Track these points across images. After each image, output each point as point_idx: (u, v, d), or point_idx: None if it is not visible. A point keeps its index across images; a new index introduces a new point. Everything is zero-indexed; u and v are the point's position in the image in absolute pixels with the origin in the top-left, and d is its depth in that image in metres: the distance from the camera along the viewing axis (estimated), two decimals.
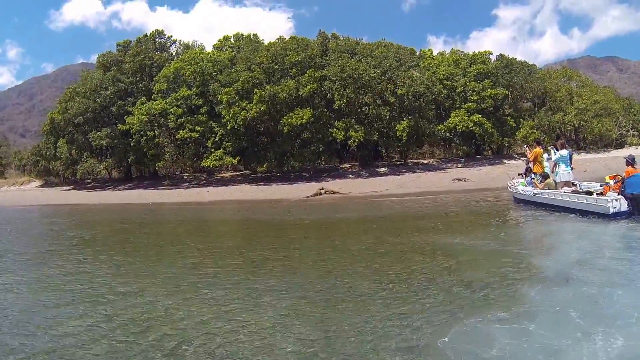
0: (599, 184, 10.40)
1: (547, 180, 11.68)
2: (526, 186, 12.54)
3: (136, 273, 7.57)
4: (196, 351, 4.04)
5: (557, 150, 11.47)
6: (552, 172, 11.76)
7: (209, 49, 45.58)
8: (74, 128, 41.10)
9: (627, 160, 9.26)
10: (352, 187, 25.08)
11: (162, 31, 45.58)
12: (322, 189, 23.00)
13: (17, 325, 5.02)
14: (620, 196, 8.81)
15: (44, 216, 21.57)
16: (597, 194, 9.55)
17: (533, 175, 12.41)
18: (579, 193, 10.17)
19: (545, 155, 12.46)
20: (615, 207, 8.65)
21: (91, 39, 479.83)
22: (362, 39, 39.75)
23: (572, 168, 11.43)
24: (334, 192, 22.19)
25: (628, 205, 8.70)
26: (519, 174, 14.05)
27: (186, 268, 7.71)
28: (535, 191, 11.75)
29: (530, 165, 12.78)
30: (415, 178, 28.74)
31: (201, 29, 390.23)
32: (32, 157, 49.51)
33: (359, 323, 4.47)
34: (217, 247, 10.26)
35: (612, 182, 9.62)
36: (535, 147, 12.89)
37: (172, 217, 18.54)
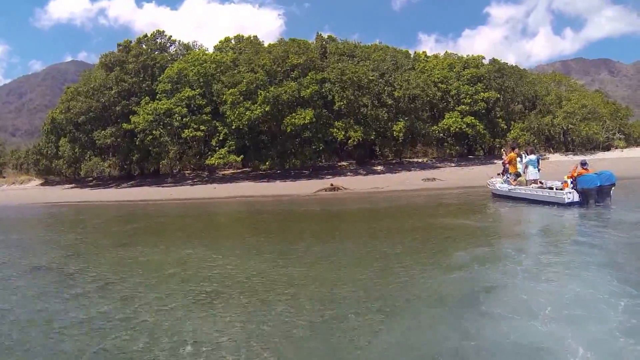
0: (559, 182, 12.83)
1: (519, 179, 14.39)
2: (503, 183, 15.14)
3: (229, 248, 8.99)
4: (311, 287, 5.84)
5: (527, 155, 14.26)
6: (524, 172, 14.33)
7: (203, 47, 46.83)
8: (75, 127, 41.77)
9: (580, 163, 11.98)
10: (353, 184, 26.31)
11: (163, 31, 46.42)
12: (331, 185, 24.53)
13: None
14: (573, 190, 11.46)
15: (71, 213, 21.09)
16: (556, 189, 12.26)
17: (508, 175, 14.93)
18: (544, 188, 12.94)
19: (519, 159, 14.94)
20: (570, 199, 11.38)
21: (78, 37, 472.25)
22: (360, 42, 41.10)
23: (539, 169, 14.08)
24: (339, 189, 23.49)
25: (579, 197, 11.38)
26: (497, 174, 16.74)
27: (267, 243, 9.45)
28: (510, 187, 14.34)
29: (507, 166, 15.18)
30: (412, 176, 30.12)
31: (190, 25, 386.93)
32: (33, 155, 49.81)
33: (404, 260, 7.05)
34: (270, 230, 11.68)
35: (569, 180, 12.02)
36: (510, 152, 15.36)
37: (201, 211, 19.11)
